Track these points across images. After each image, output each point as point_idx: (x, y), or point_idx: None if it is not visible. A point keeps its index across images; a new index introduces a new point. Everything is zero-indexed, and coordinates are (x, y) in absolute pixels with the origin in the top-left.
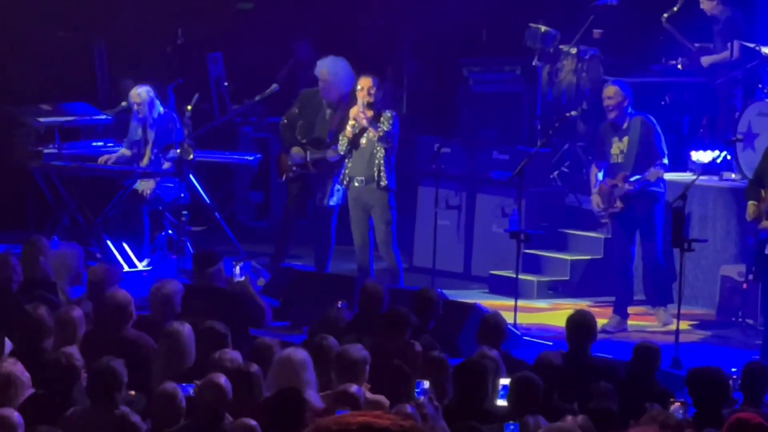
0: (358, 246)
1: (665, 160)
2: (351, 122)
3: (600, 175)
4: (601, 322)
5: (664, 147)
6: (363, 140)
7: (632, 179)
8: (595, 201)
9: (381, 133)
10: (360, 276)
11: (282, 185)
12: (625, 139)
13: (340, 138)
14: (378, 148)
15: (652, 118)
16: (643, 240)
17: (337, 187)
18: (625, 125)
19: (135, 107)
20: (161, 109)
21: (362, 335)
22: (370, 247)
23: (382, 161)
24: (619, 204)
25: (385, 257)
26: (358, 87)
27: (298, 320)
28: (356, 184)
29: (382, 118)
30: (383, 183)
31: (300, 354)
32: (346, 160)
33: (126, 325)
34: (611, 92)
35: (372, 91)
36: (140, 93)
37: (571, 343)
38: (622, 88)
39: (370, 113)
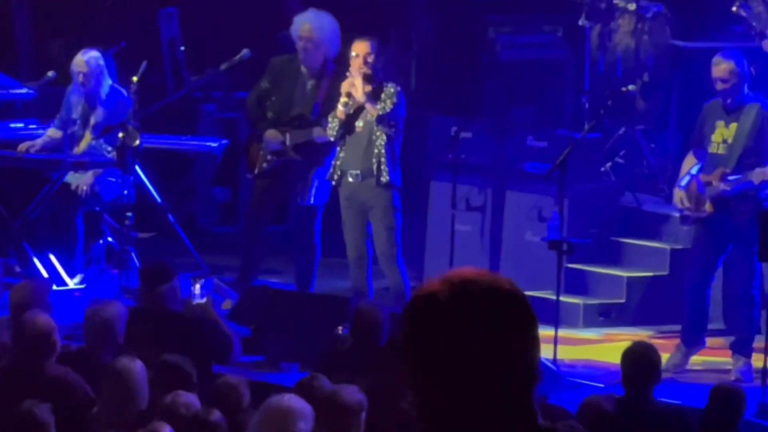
0: (352, 259)
1: None
2: (343, 99)
3: (695, 169)
4: (664, 357)
5: None
6: (359, 123)
7: (731, 178)
8: (678, 197)
9: (381, 112)
10: (355, 297)
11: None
12: (733, 125)
13: (330, 120)
14: (378, 134)
15: None
16: (735, 258)
17: (331, 176)
18: (738, 109)
19: (80, 78)
20: (110, 82)
21: (356, 373)
22: (368, 261)
23: (383, 150)
24: (708, 207)
25: (387, 272)
26: (353, 53)
27: (275, 354)
28: (350, 179)
29: (383, 95)
30: (384, 178)
31: (292, 402)
32: (338, 149)
33: (48, 359)
34: (722, 70)
35: (370, 59)
36: (88, 60)
37: (628, 385)
38: (738, 63)
39: (368, 88)
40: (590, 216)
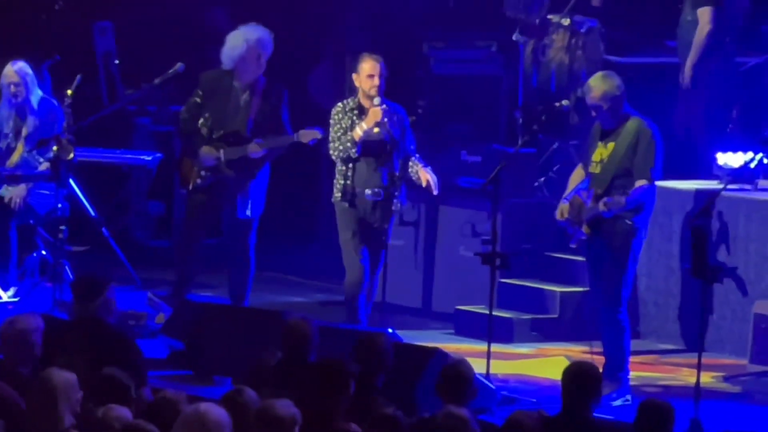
0: (353, 270)
1: (644, 182)
2: (375, 130)
3: (583, 185)
4: None
5: (656, 164)
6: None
7: (607, 202)
8: (560, 210)
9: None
10: (287, 312)
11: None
12: (611, 145)
13: (334, 139)
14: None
15: (652, 123)
16: (604, 280)
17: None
18: (615, 128)
19: (11, 89)
20: (40, 92)
21: (285, 388)
22: (366, 274)
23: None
24: (585, 229)
25: (372, 288)
26: (365, 73)
27: (207, 367)
28: (369, 196)
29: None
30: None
31: (215, 413)
32: (342, 166)
33: None
34: (591, 94)
35: (381, 77)
36: (18, 71)
37: (566, 401)
38: (610, 85)
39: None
40: (524, 230)
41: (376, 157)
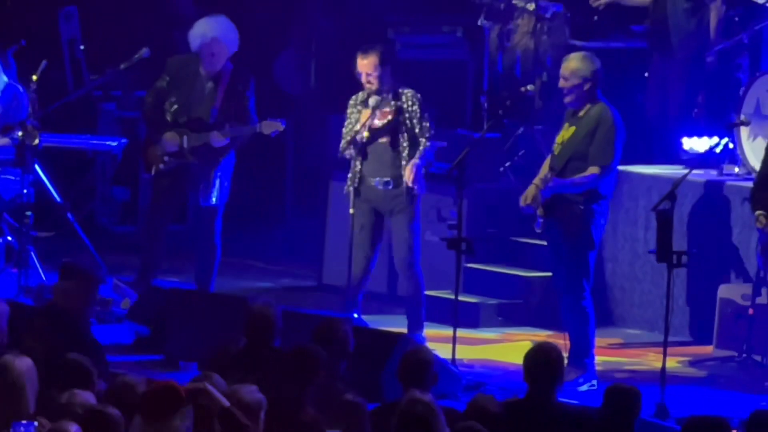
0: (358, 261)
1: (596, 169)
2: (366, 134)
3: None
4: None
5: (612, 152)
6: (382, 138)
7: (551, 183)
8: (526, 193)
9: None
10: (252, 297)
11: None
12: (572, 129)
13: (343, 134)
14: (404, 144)
15: (615, 111)
16: (563, 263)
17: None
18: (582, 112)
19: None
20: (5, 78)
21: (249, 373)
22: (371, 265)
23: (407, 158)
24: (540, 211)
25: (404, 279)
26: (358, 71)
27: (173, 353)
28: (379, 186)
29: (399, 102)
30: (410, 185)
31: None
32: (356, 157)
33: None
34: (564, 69)
35: (375, 73)
36: None
37: (531, 385)
38: (585, 62)
39: (374, 100)
40: (489, 216)
41: (384, 147)
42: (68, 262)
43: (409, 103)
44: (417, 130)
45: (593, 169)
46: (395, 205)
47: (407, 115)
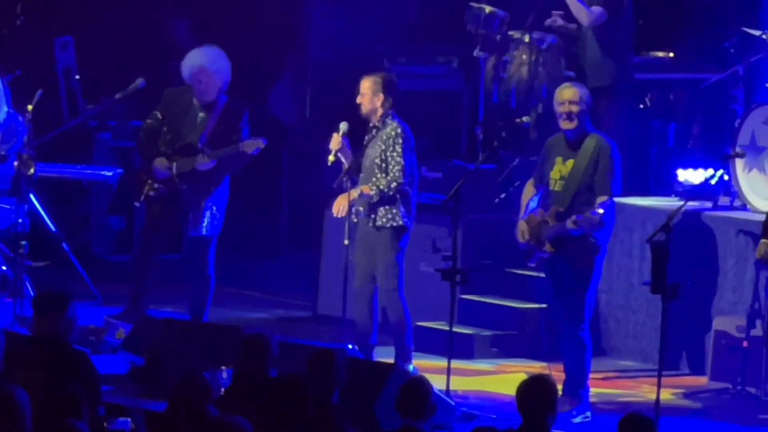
0: (357, 289)
1: (605, 198)
2: (331, 158)
3: (534, 202)
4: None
5: (615, 183)
6: (367, 159)
7: (577, 219)
8: (521, 229)
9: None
10: (247, 327)
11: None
12: (570, 162)
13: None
14: (378, 176)
15: (611, 140)
16: (566, 297)
17: (214, 210)
18: (578, 143)
19: None
20: (5, 108)
21: (243, 404)
22: (372, 292)
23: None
24: (548, 247)
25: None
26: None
27: (168, 383)
28: (354, 219)
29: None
30: (380, 221)
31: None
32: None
33: None
34: (569, 95)
35: (366, 98)
36: None
37: (525, 417)
38: (584, 90)
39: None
40: (484, 247)
41: (365, 178)
42: (37, 296)
43: (392, 134)
44: (387, 165)
45: (603, 198)
46: (376, 237)
47: (384, 146)
